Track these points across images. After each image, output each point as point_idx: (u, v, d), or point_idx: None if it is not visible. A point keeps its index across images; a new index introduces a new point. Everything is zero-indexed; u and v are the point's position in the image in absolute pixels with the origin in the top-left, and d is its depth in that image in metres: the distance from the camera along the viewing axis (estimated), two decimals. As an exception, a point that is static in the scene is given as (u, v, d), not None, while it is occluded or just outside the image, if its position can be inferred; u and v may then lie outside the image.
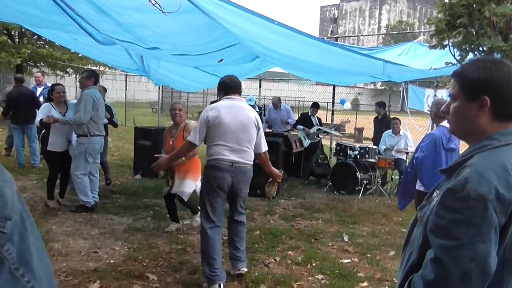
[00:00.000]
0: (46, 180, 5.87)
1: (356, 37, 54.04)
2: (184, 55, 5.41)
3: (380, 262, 4.43)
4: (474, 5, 4.59)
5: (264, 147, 3.87)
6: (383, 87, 40.48)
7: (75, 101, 6.13)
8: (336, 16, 76.53)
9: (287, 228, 5.40)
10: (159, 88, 15.96)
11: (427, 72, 6.21)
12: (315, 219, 5.91)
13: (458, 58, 4.98)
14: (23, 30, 14.58)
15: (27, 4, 3.97)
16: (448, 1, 4.83)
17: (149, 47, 4.93)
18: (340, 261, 4.39)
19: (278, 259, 4.35)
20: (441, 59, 5.75)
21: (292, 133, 8.99)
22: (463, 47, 4.86)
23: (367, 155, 7.61)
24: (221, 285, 3.58)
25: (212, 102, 5.98)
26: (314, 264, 4.24)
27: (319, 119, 9.30)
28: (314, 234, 5.19)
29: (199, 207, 4.20)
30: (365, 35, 55.35)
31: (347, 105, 11.86)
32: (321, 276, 3.98)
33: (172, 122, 5.08)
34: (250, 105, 5.47)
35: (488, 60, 1.30)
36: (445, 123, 3.97)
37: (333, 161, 8.81)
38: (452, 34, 4.84)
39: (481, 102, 1.25)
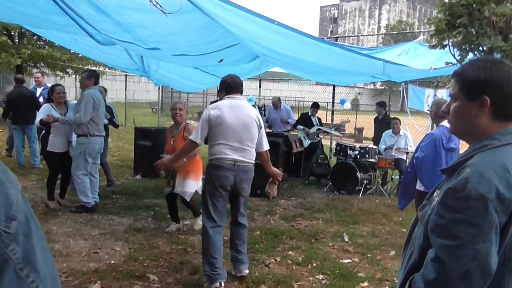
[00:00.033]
0: (46, 181, 5.87)
1: (356, 37, 54.00)
2: (184, 55, 5.41)
3: (380, 262, 4.43)
4: (474, 5, 4.58)
5: (266, 146, 3.88)
6: (383, 87, 40.47)
7: (75, 101, 6.13)
8: (335, 16, 76.57)
9: (288, 228, 5.41)
10: (159, 88, 15.99)
11: (427, 72, 6.22)
12: (316, 219, 5.91)
13: (458, 58, 4.97)
14: (23, 30, 14.58)
15: (27, 4, 3.97)
16: (448, 1, 4.82)
17: (149, 47, 4.94)
18: (341, 261, 4.40)
19: (278, 259, 4.35)
20: (441, 59, 5.74)
21: (292, 133, 8.98)
22: (463, 47, 4.86)
23: (367, 155, 7.62)
24: (222, 283, 3.60)
25: (212, 102, 5.97)
26: (314, 264, 4.25)
27: (319, 119, 9.30)
28: (315, 234, 5.19)
29: (201, 210, 4.20)
30: (365, 35, 55.28)
31: (347, 105, 11.84)
32: (322, 276, 3.99)
33: (173, 122, 5.08)
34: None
35: (488, 60, 1.30)
36: (445, 123, 3.98)
37: (333, 161, 8.81)
38: (452, 34, 4.84)
39: (481, 102, 1.25)
